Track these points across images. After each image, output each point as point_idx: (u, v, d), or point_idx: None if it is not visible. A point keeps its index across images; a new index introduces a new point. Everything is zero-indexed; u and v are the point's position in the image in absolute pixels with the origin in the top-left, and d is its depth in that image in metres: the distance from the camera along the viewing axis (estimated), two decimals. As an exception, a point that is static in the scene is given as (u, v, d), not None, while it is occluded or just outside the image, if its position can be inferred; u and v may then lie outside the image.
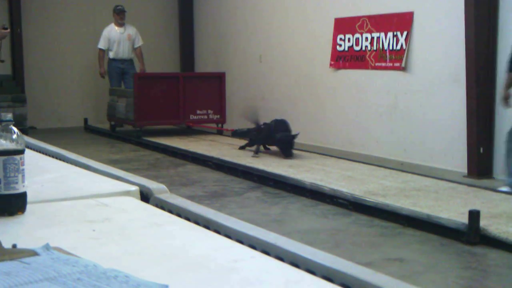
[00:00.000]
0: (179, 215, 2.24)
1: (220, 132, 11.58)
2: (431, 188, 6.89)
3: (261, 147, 9.15)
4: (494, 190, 6.92)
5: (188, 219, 2.20)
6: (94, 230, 1.93)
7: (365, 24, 9.95)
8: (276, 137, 8.62)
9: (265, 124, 9.06)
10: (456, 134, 8.44)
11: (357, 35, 10.10)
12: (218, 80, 11.72)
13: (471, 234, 5.27)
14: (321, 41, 10.83)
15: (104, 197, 2.35)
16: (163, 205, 2.37)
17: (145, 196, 2.50)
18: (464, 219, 5.38)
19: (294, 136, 8.61)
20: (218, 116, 11.61)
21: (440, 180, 7.36)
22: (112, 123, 12.39)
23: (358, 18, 10.07)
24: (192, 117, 11.48)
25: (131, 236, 1.91)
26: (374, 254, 5.12)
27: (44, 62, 13.59)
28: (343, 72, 10.46)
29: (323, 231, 5.79)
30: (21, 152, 2.02)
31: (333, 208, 6.56)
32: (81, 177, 2.78)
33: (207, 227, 2.10)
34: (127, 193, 2.43)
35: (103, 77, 12.78)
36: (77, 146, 9.78)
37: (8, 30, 7.90)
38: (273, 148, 9.09)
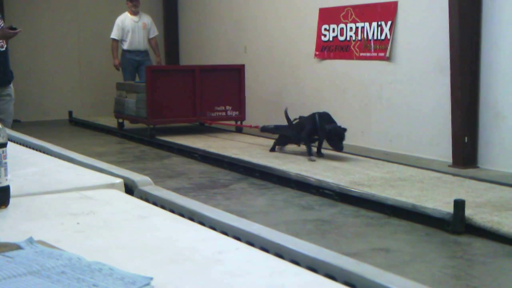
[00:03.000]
0: (163, 207, 2.24)
1: (239, 130, 10.77)
2: (416, 178, 6.91)
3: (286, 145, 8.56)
4: (479, 179, 6.96)
5: (172, 211, 2.19)
6: (78, 223, 1.92)
7: (349, 14, 9.95)
8: (326, 128, 7.83)
9: (301, 118, 8.36)
10: (441, 124, 8.48)
11: (342, 25, 10.11)
12: (237, 73, 10.81)
13: (456, 223, 5.30)
14: (305, 32, 10.83)
15: (88, 190, 2.34)
16: (147, 197, 2.36)
17: (130, 189, 2.49)
18: (449, 208, 5.41)
19: (345, 129, 7.87)
20: (237, 113, 10.75)
21: (425, 170, 7.39)
22: (120, 120, 11.41)
23: (342, 8, 10.08)
24: (209, 114, 10.62)
25: (116, 228, 1.90)
26: (360, 244, 5.14)
27: (27, 54, 13.50)
28: (328, 63, 10.47)
29: (309, 222, 5.80)
30: (3, 145, 2.00)
31: (319, 199, 6.58)
32: (65, 170, 2.76)
33: (191, 219, 2.10)
34: (111, 186, 2.42)
35: (117, 69, 12.12)
36: (61, 139, 9.75)
37: (17, 30, 7.42)
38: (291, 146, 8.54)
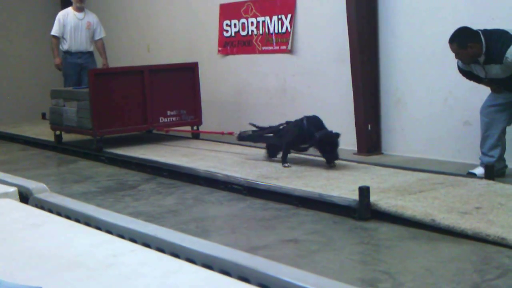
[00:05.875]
0: (59, 214, 2.20)
1: (196, 136, 9.69)
2: (322, 167, 7.01)
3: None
4: (383, 165, 7.12)
5: (69, 217, 2.15)
6: (-33, 236, 1.87)
7: (250, 9, 10.01)
8: (316, 136, 6.90)
9: (288, 123, 7.49)
10: (345, 113, 8.62)
11: (243, 20, 10.15)
12: (190, 72, 9.69)
13: (362, 210, 5.40)
14: (207, 28, 10.82)
15: (-21, 201, 2.27)
16: (43, 205, 2.31)
17: (25, 197, 2.44)
18: (355, 195, 5.50)
19: (338, 135, 6.99)
20: (193, 117, 9.65)
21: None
22: (58, 132, 9.90)
23: (242, 3, 10.12)
24: (162, 119, 9.42)
25: (7, 239, 1.86)
26: (269, 237, 5.17)
27: None
28: (231, 58, 10.49)
29: (218, 218, 5.80)
30: None
31: (228, 194, 6.58)
32: (-44, 181, 2.67)
33: (88, 224, 2.07)
34: (5, 195, 2.36)
35: (59, 69, 10.84)
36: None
37: None
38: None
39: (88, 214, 2.10)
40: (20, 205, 2.27)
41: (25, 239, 1.85)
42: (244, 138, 8.00)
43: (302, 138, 7.12)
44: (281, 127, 7.53)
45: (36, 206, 2.31)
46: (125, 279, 1.48)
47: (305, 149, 7.29)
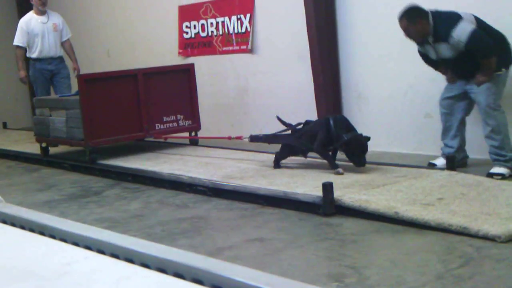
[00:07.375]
0: (14, 225, 2.17)
1: (194, 143, 9.05)
2: (286, 165, 7.01)
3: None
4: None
5: (23, 227, 2.13)
6: None
7: (208, 10, 10.00)
8: (344, 138, 6.33)
9: (308, 123, 6.96)
10: (307, 110, 8.63)
11: (202, 21, 10.14)
12: (186, 74, 9.06)
13: (326, 206, 5.42)
14: (167, 31, 10.79)
15: None
16: (-4, 216, 2.28)
17: (-21, 209, 2.40)
18: (319, 192, 5.52)
19: (368, 138, 6.44)
20: (190, 122, 9.03)
21: (294, 157, 7.49)
22: (44, 145, 9.15)
23: (201, 4, 10.11)
24: (158, 126, 8.76)
25: (-43, 252, 1.82)
26: (235, 237, 5.16)
27: None
28: (192, 59, 10.43)
29: (184, 221, 5.78)
30: None
31: (193, 196, 6.57)
32: None
33: (42, 233, 2.04)
34: (-44, 207, 2.32)
35: (24, 82, 10.30)
36: None
37: None
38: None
39: (42, 223, 2.07)
40: (-27, 218, 2.24)
41: (-24, 251, 1.82)
42: (258, 139, 7.38)
43: (329, 140, 6.56)
44: (298, 127, 7.00)
45: (-10, 217, 2.28)
46: (79, 286, 1.47)
47: (330, 151, 6.74)
